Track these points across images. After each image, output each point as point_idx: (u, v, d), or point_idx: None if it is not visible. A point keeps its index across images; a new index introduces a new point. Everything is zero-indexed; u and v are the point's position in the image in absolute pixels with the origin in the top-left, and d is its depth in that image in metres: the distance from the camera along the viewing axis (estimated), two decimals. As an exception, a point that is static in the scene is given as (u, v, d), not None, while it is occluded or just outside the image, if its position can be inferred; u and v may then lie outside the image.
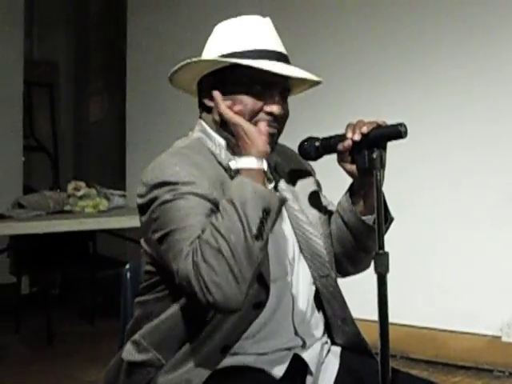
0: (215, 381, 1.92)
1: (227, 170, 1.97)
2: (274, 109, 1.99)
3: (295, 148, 2.12)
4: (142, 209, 1.97)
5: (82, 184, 5.42)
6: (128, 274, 2.24)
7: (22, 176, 6.46)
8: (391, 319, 1.81)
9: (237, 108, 1.97)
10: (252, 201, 1.79)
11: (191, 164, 1.93)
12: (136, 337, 2.01)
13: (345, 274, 2.24)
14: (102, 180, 5.91)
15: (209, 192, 1.89)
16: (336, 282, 2.13)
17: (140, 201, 1.97)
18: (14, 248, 5.92)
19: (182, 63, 2.02)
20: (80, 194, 5.33)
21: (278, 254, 2.03)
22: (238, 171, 1.87)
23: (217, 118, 2.03)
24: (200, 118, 2.11)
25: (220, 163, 2.00)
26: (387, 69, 4.84)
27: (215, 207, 1.87)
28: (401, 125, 1.92)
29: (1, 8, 6.14)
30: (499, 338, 4.43)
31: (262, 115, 1.99)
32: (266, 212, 1.80)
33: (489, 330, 4.46)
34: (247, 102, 1.98)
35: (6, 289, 5.86)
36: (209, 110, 2.06)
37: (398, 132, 1.93)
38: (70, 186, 5.40)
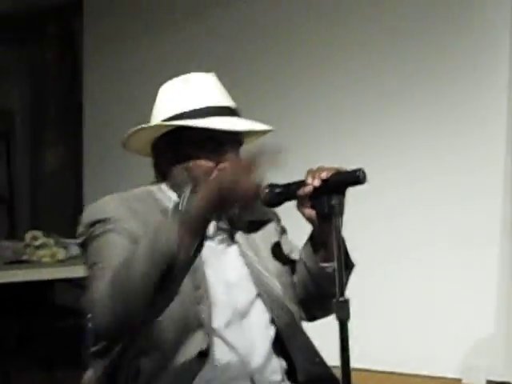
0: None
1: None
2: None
3: None
4: (82, 247, 2.02)
5: (40, 234, 5.40)
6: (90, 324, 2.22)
7: (-23, 226, 6.40)
8: (351, 364, 1.82)
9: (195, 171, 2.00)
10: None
11: (127, 208, 1.96)
12: None
13: (312, 318, 2.24)
14: (59, 229, 5.87)
15: (135, 229, 1.90)
16: (297, 324, 2.13)
17: (79, 240, 2.03)
18: (-30, 299, 5.85)
19: (130, 131, 2.06)
20: (38, 243, 5.30)
21: (231, 300, 2.02)
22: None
23: (175, 181, 2.05)
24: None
25: (162, 211, 1.98)
26: (350, 118, 4.85)
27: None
28: (359, 170, 1.93)
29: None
30: (460, 380, 4.44)
31: (215, 174, 2.00)
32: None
33: (449, 373, 4.46)
34: (200, 163, 2.01)
35: (-38, 340, 5.77)
36: (163, 173, 2.09)
37: (356, 177, 1.93)
38: (28, 236, 5.37)
